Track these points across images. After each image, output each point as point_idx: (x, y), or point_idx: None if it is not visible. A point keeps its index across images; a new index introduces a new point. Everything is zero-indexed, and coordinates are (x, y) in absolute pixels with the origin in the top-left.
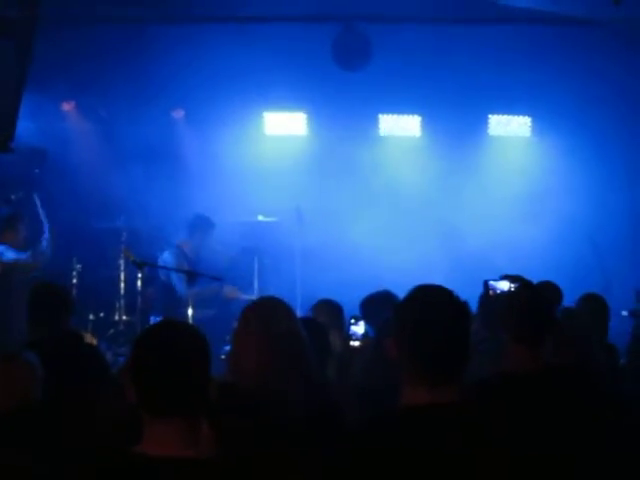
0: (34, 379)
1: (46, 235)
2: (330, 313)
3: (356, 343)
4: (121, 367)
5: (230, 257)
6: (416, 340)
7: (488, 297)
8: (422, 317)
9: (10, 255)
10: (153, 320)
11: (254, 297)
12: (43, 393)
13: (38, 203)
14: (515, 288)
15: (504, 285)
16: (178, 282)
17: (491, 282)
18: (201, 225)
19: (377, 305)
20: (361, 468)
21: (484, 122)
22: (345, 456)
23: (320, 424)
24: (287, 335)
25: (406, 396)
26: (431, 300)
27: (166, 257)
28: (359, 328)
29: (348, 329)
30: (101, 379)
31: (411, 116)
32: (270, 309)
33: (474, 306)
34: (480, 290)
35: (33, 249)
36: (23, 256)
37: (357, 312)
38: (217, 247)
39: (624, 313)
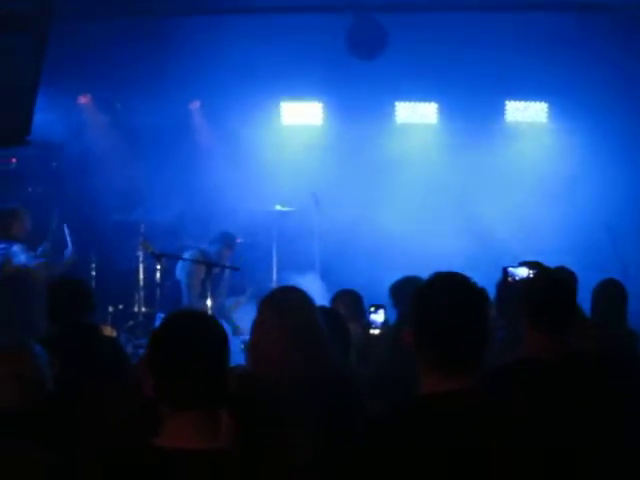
0: (43, 373)
1: (69, 252)
2: (350, 303)
3: (376, 331)
4: (139, 360)
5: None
6: (433, 328)
7: (506, 284)
8: (439, 304)
9: (22, 259)
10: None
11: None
12: (61, 386)
13: (56, 219)
14: (534, 274)
15: (523, 272)
16: (187, 296)
17: (510, 269)
18: (227, 242)
19: (406, 290)
20: (379, 457)
21: (501, 108)
22: (364, 445)
23: (340, 413)
24: (306, 325)
25: (424, 385)
26: (448, 287)
27: (184, 264)
28: (379, 316)
29: (368, 317)
30: (120, 371)
31: (428, 103)
32: (289, 299)
33: (493, 292)
34: (497, 273)
35: (49, 261)
36: (34, 262)
37: (374, 299)
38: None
39: None
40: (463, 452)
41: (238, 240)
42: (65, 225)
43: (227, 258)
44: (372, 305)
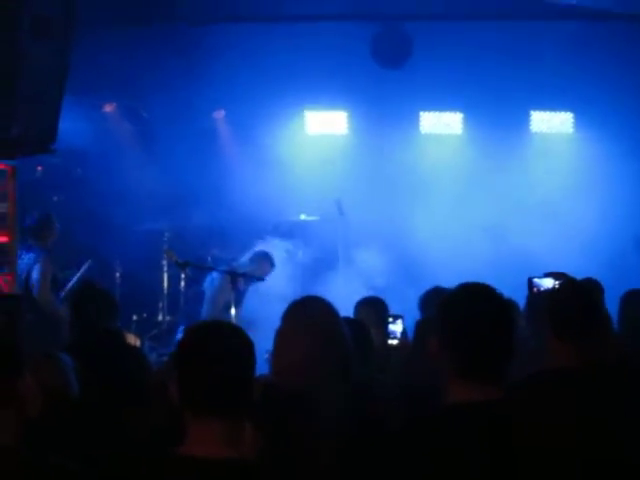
0: (70, 379)
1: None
2: (373, 310)
3: (394, 342)
4: (163, 367)
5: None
6: (459, 338)
7: (533, 295)
8: (465, 315)
9: (29, 258)
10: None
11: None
12: (84, 392)
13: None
14: (559, 285)
15: (548, 282)
16: (210, 309)
17: (535, 280)
18: (264, 261)
19: (435, 301)
20: (405, 466)
21: (526, 119)
22: (390, 455)
23: (362, 423)
24: (329, 335)
25: (450, 394)
26: (474, 298)
27: (215, 277)
28: (397, 327)
29: (386, 328)
30: (142, 379)
31: (453, 113)
32: (313, 309)
33: (519, 302)
34: (521, 285)
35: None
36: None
37: (396, 307)
38: None
39: None
40: (489, 462)
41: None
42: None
43: (265, 274)
44: (391, 315)
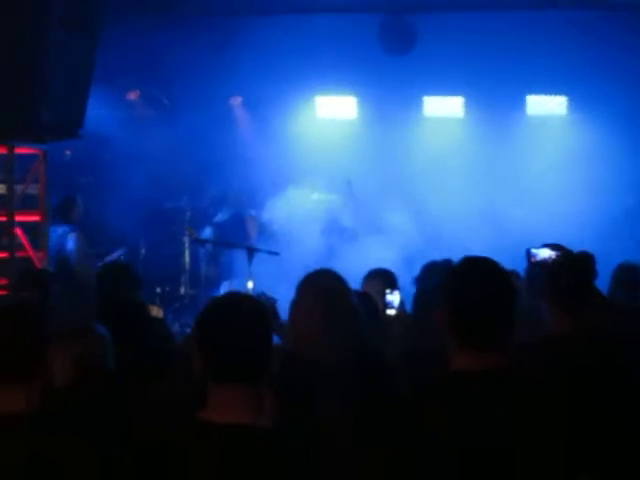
0: (106, 351)
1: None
2: (383, 280)
3: (392, 312)
4: (187, 336)
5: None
6: (464, 308)
7: (532, 266)
8: (470, 286)
9: (60, 232)
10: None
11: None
12: (117, 363)
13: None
14: (555, 256)
15: (545, 253)
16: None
17: (533, 250)
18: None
19: (434, 271)
20: (412, 430)
21: (523, 102)
22: (398, 421)
23: (372, 386)
24: (340, 305)
25: (455, 362)
26: (478, 270)
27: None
28: (395, 297)
29: (384, 299)
30: (165, 348)
31: (454, 97)
32: (325, 281)
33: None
34: (520, 259)
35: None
36: (75, 255)
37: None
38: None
39: None
40: (491, 426)
41: (275, 227)
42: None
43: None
44: (388, 287)
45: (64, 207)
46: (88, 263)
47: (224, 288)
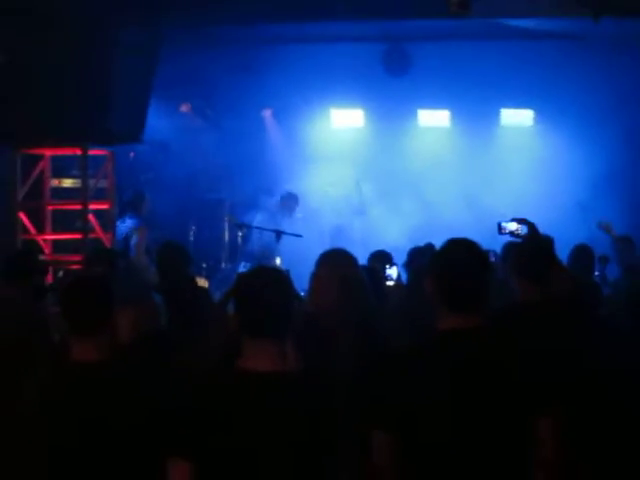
0: (158, 315)
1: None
2: (383, 259)
3: (390, 283)
4: (220, 300)
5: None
6: (445, 277)
7: (500, 233)
8: (453, 259)
9: (129, 223)
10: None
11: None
12: (169, 324)
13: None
14: (521, 228)
15: (513, 225)
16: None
17: (503, 223)
18: (291, 200)
19: (418, 255)
20: (407, 381)
21: (497, 114)
22: (395, 373)
23: (375, 344)
24: (352, 278)
25: (441, 323)
26: (460, 247)
27: (258, 217)
28: (392, 271)
29: (384, 272)
30: (210, 312)
31: (443, 110)
32: (339, 257)
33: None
34: (495, 234)
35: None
36: (137, 224)
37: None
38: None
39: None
40: (473, 372)
41: (299, 215)
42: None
43: (292, 210)
44: (387, 263)
45: (135, 201)
46: (142, 260)
47: (242, 267)
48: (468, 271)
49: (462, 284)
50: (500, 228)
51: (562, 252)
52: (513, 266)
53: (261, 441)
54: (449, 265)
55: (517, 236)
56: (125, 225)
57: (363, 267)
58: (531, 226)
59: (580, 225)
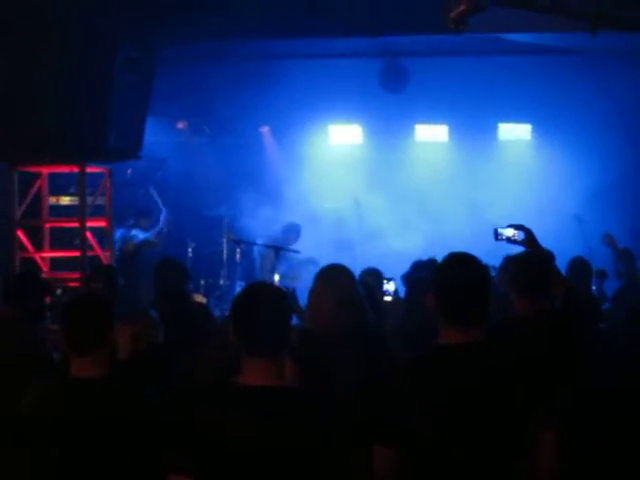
0: (155, 330)
1: (164, 215)
2: (374, 276)
3: (388, 298)
4: (225, 318)
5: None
6: (448, 294)
7: (497, 239)
8: (454, 275)
9: (140, 236)
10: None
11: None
12: (166, 338)
13: (155, 194)
14: (517, 234)
15: (509, 232)
16: (259, 272)
17: (499, 229)
18: (292, 232)
19: (422, 268)
20: (404, 395)
21: (495, 128)
22: (393, 387)
23: (374, 360)
24: (349, 293)
25: (442, 337)
26: (460, 262)
27: (262, 251)
28: (390, 286)
29: (382, 287)
30: (208, 328)
31: (440, 125)
32: (336, 273)
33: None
34: (496, 252)
35: (156, 230)
36: (149, 235)
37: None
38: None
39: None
40: (473, 387)
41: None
42: (152, 188)
43: (293, 241)
44: (385, 278)
45: (141, 216)
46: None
47: (238, 287)
48: (468, 287)
49: (462, 299)
50: (496, 234)
51: (559, 265)
52: (511, 283)
53: (256, 454)
54: (449, 281)
55: (514, 242)
56: (137, 239)
57: (359, 282)
58: (528, 232)
59: (578, 238)
